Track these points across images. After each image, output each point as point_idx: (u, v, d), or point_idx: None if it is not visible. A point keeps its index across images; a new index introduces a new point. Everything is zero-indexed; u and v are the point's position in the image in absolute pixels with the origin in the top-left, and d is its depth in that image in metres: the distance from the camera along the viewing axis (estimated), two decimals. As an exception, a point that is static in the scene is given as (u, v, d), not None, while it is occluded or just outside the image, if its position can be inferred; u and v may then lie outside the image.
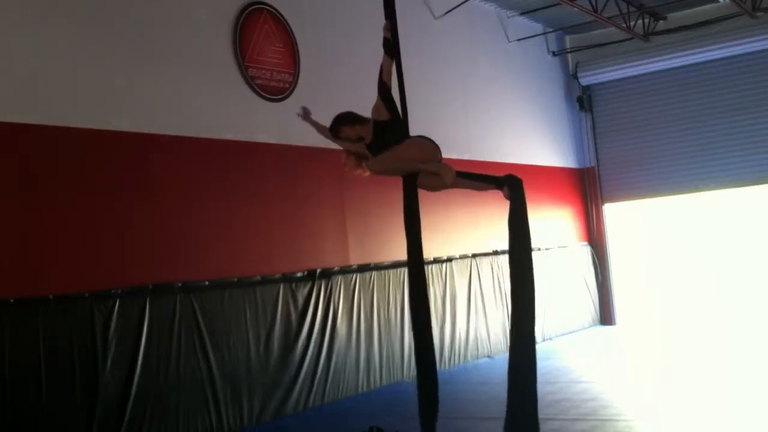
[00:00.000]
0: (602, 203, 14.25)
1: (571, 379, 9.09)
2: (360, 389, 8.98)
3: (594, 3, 11.61)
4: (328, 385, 8.61)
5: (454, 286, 10.73)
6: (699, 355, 10.41)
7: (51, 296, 6.36)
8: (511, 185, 5.19)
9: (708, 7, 12.75)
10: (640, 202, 13.99)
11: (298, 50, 8.95)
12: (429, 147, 5.29)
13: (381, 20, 5.91)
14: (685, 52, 13.08)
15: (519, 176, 5.35)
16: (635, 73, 13.68)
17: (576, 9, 11.40)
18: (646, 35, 13.12)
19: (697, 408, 7.31)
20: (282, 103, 8.70)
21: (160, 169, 7.44)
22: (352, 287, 9.10)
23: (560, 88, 14.20)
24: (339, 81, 9.23)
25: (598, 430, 6.65)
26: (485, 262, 11.30)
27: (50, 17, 6.79)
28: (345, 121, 5.51)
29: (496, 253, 11.40)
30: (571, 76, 14.29)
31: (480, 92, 11.94)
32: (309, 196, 8.84)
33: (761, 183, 12.80)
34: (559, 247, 13.13)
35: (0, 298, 6.04)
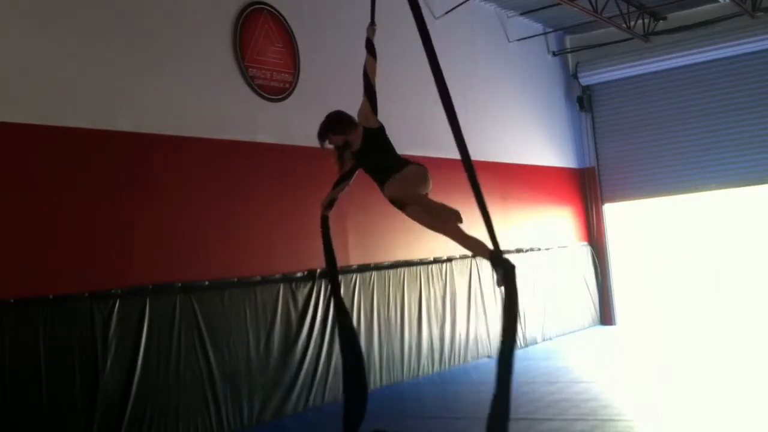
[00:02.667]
0: (602, 203, 14.24)
1: (571, 379, 9.09)
2: (360, 389, 8.97)
3: (594, 3, 11.61)
4: (328, 385, 8.60)
5: (454, 286, 10.72)
6: (699, 355, 10.41)
7: (51, 296, 6.36)
8: (506, 271, 4.98)
9: (708, 7, 12.75)
10: (640, 202, 13.99)
11: (298, 50, 8.95)
12: (424, 177, 5.28)
13: (381, 21, 5.93)
14: (685, 52, 13.07)
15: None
16: (635, 73, 13.67)
17: (576, 9, 11.40)
18: (646, 35, 13.11)
19: (697, 408, 7.31)
20: (282, 103, 8.70)
21: (160, 169, 7.44)
22: (352, 287, 9.10)
23: (560, 88, 14.19)
24: (339, 81, 9.21)
25: (598, 430, 6.65)
26: (485, 262, 11.22)
27: (50, 17, 6.79)
28: (332, 127, 5.39)
29: (496, 253, 11.36)
30: (571, 76, 14.28)
31: (480, 92, 11.93)
32: (309, 196, 8.82)
33: (761, 183, 12.79)
34: (559, 247, 13.12)
35: (0, 298, 6.04)
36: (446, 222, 5.18)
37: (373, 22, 5.67)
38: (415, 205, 5.22)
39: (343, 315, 6.01)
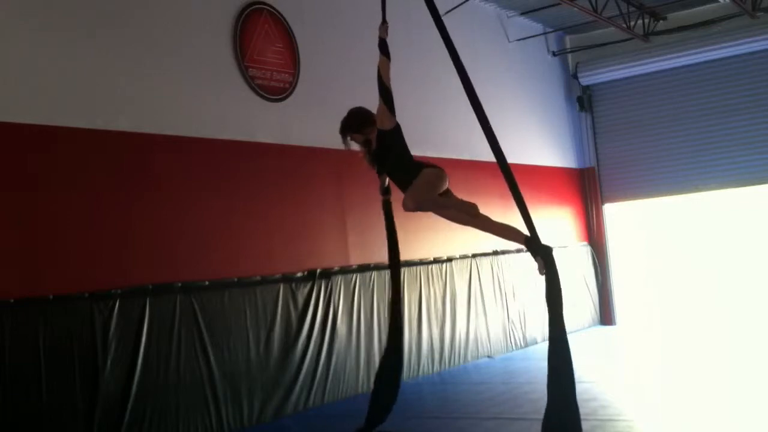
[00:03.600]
0: (602, 203, 14.24)
1: (571, 379, 9.07)
2: (360, 389, 8.96)
3: (594, 3, 11.61)
4: (328, 385, 8.61)
5: (454, 286, 10.72)
6: (699, 355, 10.41)
7: (51, 296, 6.36)
8: (544, 256, 5.11)
9: (708, 7, 12.75)
10: (640, 202, 14.00)
11: (298, 50, 8.95)
12: (438, 179, 5.31)
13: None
14: (685, 52, 13.07)
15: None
16: (635, 73, 13.67)
17: (576, 9, 11.40)
18: (646, 35, 13.11)
19: (697, 408, 7.31)
20: (282, 103, 8.70)
21: (160, 169, 7.44)
22: (352, 287, 9.10)
23: (560, 88, 14.19)
24: (339, 81, 9.23)
25: (598, 430, 6.64)
26: (485, 262, 11.29)
27: (50, 17, 6.79)
28: (351, 126, 5.39)
29: (496, 253, 11.38)
30: (571, 76, 14.28)
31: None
32: (309, 196, 8.84)
33: (761, 183, 12.79)
34: (559, 247, 13.09)
35: (0, 298, 6.04)
36: (469, 213, 5.20)
37: (384, 21, 5.59)
38: (436, 207, 5.25)
39: (395, 312, 5.87)
